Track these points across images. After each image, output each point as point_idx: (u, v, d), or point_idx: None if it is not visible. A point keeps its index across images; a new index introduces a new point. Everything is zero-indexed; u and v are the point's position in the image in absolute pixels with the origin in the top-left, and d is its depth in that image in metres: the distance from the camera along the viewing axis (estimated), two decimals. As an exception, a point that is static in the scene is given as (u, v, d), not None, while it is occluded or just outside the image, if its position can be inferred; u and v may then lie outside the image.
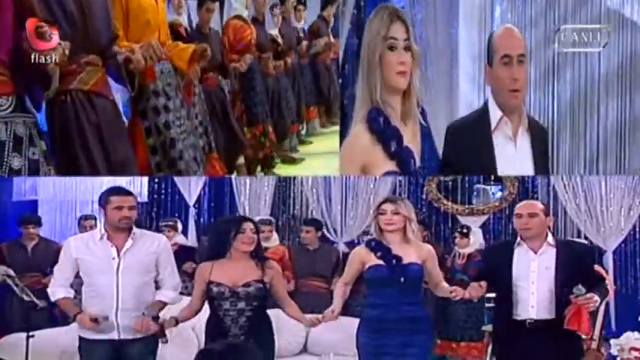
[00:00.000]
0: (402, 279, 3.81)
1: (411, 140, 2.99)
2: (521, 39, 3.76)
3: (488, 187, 7.50)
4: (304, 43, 6.48)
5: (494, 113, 3.69)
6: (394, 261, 3.83)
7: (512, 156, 3.73)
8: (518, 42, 3.72)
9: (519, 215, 4.00)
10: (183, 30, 4.91)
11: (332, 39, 6.60)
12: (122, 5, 3.96)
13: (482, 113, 3.76)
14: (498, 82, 3.71)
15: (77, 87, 3.86)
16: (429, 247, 4.05)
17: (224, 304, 3.73)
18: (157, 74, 4.24)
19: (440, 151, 6.33)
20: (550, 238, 3.97)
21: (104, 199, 3.81)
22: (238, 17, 5.46)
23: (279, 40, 6.06)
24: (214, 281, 3.74)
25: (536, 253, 3.95)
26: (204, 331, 3.86)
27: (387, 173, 2.90)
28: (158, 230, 6.77)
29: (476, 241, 6.42)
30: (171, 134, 4.44)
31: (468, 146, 3.73)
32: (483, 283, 4.00)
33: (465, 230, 6.42)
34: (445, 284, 4.03)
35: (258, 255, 3.83)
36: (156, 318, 3.77)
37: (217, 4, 5.28)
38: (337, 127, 6.75)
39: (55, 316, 6.35)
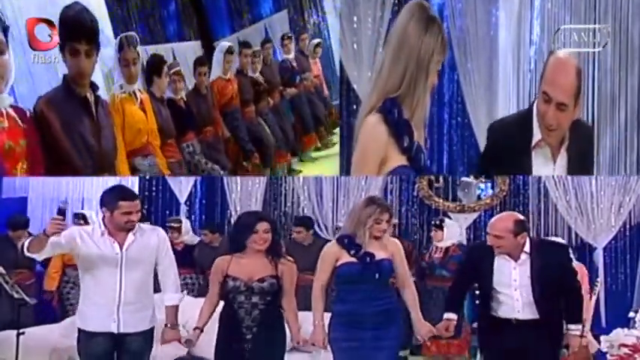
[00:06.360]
0: (377, 275, 3.86)
1: (418, 136, 2.95)
2: (569, 82, 3.36)
3: (472, 181, 7.50)
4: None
5: (536, 131, 3.48)
6: (368, 258, 3.87)
7: (549, 172, 3.62)
8: (564, 85, 3.36)
9: (487, 232, 4.04)
10: (182, 103, 5.58)
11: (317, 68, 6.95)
12: (121, 119, 4.67)
13: (526, 123, 3.50)
14: (538, 110, 3.46)
15: None
16: (396, 241, 4.08)
17: (238, 297, 3.85)
18: (146, 167, 4.87)
19: (480, 141, 6.41)
20: (527, 247, 3.98)
21: (112, 203, 3.86)
22: (220, 78, 6.01)
23: (261, 80, 6.46)
24: (231, 275, 3.87)
25: (516, 261, 3.98)
26: (218, 322, 3.93)
27: (399, 168, 2.86)
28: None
29: (452, 234, 6.40)
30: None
31: (507, 154, 3.60)
32: (451, 328, 4.10)
33: (438, 222, 6.41)
34: (413, 290, 4.02)
35: (273, 252, 3.92)
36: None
37: (207, 67, 5.89)
38: (328, 151, 6.91)
39: (46, 313, 6.34)
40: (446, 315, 4.15)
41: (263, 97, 6.46)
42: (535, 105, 3.49)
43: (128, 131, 4.73)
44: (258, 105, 6.42)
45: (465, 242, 6.70)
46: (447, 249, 6.31)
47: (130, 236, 3.88)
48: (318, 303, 3.96)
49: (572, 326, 4.04)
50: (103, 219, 3.91)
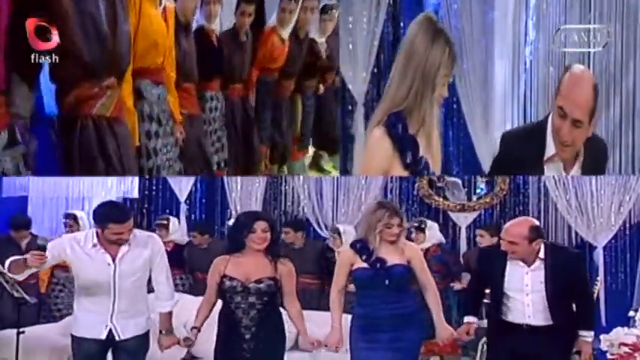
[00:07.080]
0: (387, 281, 3.85)
1: (427, 148, 2.90)
2: (585, 99, 3.28)
3: (458, 181, 7.47)
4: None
5: (550, 145, 3.41)
6: (378, 264, 3.85)
7: None
8: (580, 102, 3.28)
9: (502, 238, 3.99)
10: (214, 37, 4.52)
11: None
12: (135, 19, 3.80)
13: (539, 136, 3.42)
14: (553, 124, 3.39)
15: (99, 113, 3.72)
16: (414, 245, 4.08)
17: (235, 298, 3.82)
18: (154, 98, 4.08)
19: (475, 142, 6.47)
20: (542, 253, 3.95)
21: (102, 223, 3.73)
22: (275, 32, 5.02)
23: (324, 51, 5.46)
24: (228, 275, 3.83)
25: (529, 266, 3.96)
26: (217, 322, 3.92)
27: None
28: (150, 227, 6.77)
29: (432, 235, 6.39)
30: (157, 161, 4.30)
31: (519, 166, 3.57)
32: (471, 331, 4.10)
33: (422, 225, 6.39)
34: (435, 293, 3.99)
35: (273, 252, 3.89)
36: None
37: (253, 8, 4.86)
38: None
39: (46, 312, 6.34)
40: (466, 319, 4.16)
41: (315, 74, 5.42)
42: (550, 118, 3.43)
43: (141, 40, 3.79)
44: (305, 83, 5.39)
45: (444, 241, 6.66)
46: (427, 250, 6.26)
47: (124, 247, 3.76)
48: (336, 306, 3.97)
49: (584, 332, 4.01)
50: (96, 232, 3.78)
